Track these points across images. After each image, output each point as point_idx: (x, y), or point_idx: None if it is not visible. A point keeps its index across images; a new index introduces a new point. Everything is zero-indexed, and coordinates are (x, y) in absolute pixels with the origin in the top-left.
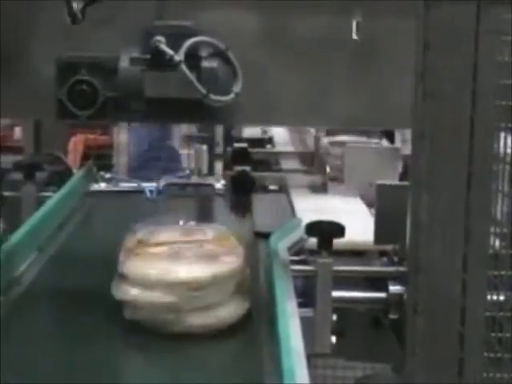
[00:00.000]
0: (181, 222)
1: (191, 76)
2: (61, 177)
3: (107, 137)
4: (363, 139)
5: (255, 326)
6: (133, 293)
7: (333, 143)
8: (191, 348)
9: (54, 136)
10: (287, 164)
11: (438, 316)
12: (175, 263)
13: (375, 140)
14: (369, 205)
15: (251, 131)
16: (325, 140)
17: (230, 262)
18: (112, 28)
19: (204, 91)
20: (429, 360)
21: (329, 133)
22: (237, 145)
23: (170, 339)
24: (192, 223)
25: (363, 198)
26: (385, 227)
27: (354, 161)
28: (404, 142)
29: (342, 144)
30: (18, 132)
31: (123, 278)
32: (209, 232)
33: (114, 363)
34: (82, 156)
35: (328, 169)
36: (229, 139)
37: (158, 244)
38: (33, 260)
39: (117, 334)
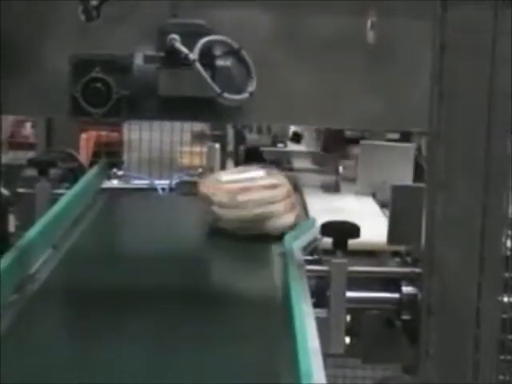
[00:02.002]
0: None
1: (206, 74)
2: (74, 174)
3: (118, 133)
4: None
5: (271, 326)
6: None
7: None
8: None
9: (64, 132)
10: (299, 163)
11: (452, 318)
12: None
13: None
14: (381, 204)
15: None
16: None
17: None
18: (126, 26)
19: (218, 90)
20: (443, 362)
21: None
22: (249, 143)
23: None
24: None
25: (375, 196)
26: (398, 228)
27: (367, 158)
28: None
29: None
30: (27, 128)
31: None
32: None
33: (127, 360)
34: (92, 153)
35: (341, 169)
36: (239, 138)
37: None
38: (47, 257)
39: (130, 330)
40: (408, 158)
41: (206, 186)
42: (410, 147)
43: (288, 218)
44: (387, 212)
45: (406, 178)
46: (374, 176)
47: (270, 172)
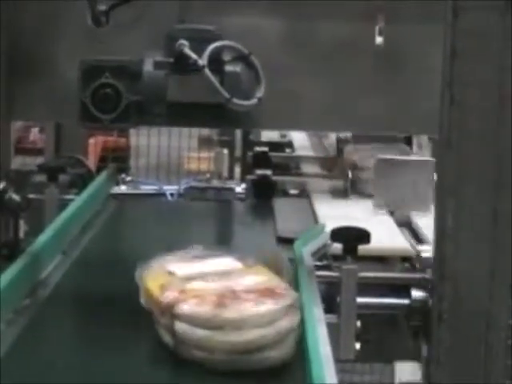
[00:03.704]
0: None
1: (215, 80)
2: (83, 179)
3: (125, 139)
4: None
5: None
6: None
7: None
8: None
9: (73, 137)
10: (307, 168)
11: (463, 324)
12: None
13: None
14: (399, 224)
15: (270, 135)
16: (350, 149)
17: None
18: (135, 31)
19: (227, 95)
20: (454, 369)
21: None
22: (258, 148)
23: None
24: None
25: (393, 214)
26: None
27: (383, 174)
28: (419, 147)
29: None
30: (34, 134)
31: None
32: None
33: (138, 367)
34: (99, 158)
35: (350, 174)
36: (247, 143)
37: None
38: (58, 263)
39: (142, 338)
40: (427, 173)
41: (159, 284)
42: (429, 161)
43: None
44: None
45: (426, 195)
46: (391, 193)
47: (242, 258)
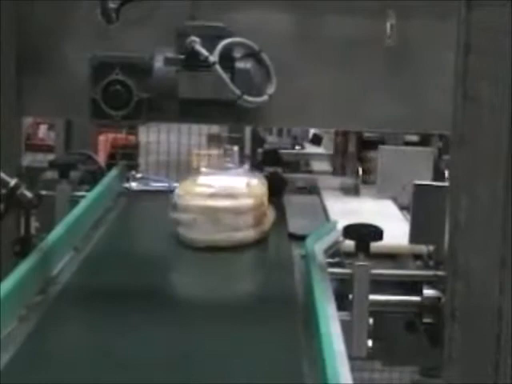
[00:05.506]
0: None
1: (226, 77)
2: (94, 176)
3: (134, 136)
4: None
5: (296, 328)
6: None
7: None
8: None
9: (82, 134)
10: (318, 166)
11: (475, 321)
12: None
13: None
14: (400, 207)
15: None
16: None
17: None
18: (146, 28)
19: (238, 92)
20: (466, 366)
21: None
22: (267, 146)
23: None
24: None
25: (395, 200)
26: (420, 227)
27: (387, 163)
28: None
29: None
30: (42, 130)
31: None
32: None
33: (152, 360)
34: (108, 155)
35: (360, 171)
36: (256, 140)
37: None
38: (69, 259)
39: (155, 331)
40: (427, 162)
41: None
42: (429, 151)
43: None
44: (407, 214)
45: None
46: (394, 181)
47: None
